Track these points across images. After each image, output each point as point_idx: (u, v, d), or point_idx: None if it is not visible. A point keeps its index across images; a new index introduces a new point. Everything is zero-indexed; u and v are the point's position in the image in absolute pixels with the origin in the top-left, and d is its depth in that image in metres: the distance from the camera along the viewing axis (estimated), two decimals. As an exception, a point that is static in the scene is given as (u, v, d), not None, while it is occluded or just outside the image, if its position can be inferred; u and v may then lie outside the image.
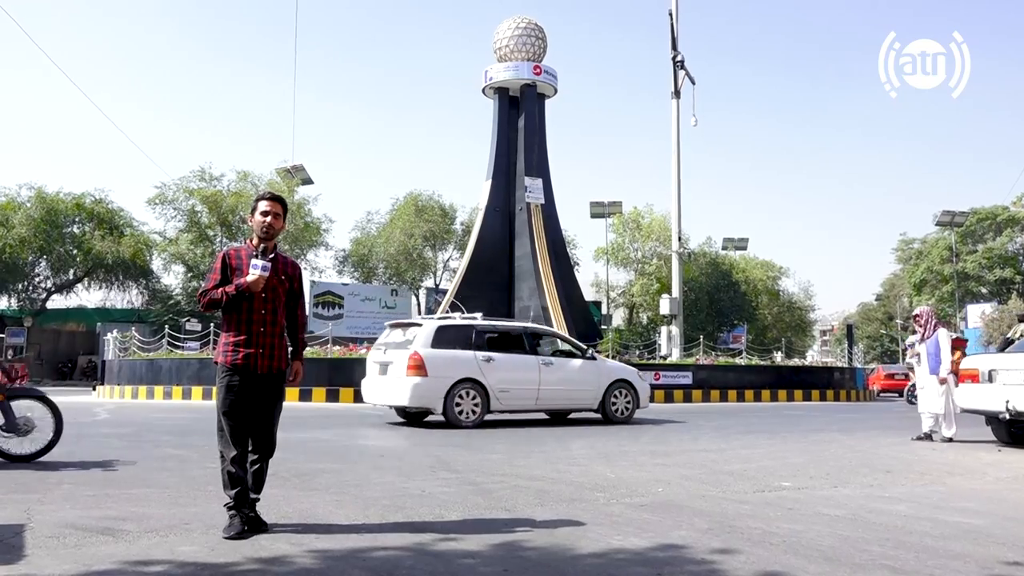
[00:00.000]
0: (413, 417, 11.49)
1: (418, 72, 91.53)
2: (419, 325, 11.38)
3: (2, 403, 6.24)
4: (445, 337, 10.93)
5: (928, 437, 9.47)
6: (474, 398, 10.66)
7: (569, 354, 12.08)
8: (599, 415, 11.83)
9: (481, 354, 10.92)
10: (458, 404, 10.56)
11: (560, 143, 52.75)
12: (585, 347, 12.41)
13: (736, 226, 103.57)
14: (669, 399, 19.91)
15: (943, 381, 9.35)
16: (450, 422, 10.48)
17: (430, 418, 11.28)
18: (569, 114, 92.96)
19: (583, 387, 11.73)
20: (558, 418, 12.07)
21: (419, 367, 10.46)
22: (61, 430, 6.57)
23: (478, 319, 11.91)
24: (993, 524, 4.39)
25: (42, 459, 6.35)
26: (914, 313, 10.18)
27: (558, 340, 12.78)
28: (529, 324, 13.14)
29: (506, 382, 10.96)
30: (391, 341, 11.47)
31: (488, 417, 10.90)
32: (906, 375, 22.57)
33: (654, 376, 20.61)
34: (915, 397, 20.16)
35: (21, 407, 6.39)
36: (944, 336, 9.56)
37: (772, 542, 3.76)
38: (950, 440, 9.21)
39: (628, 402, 11.95)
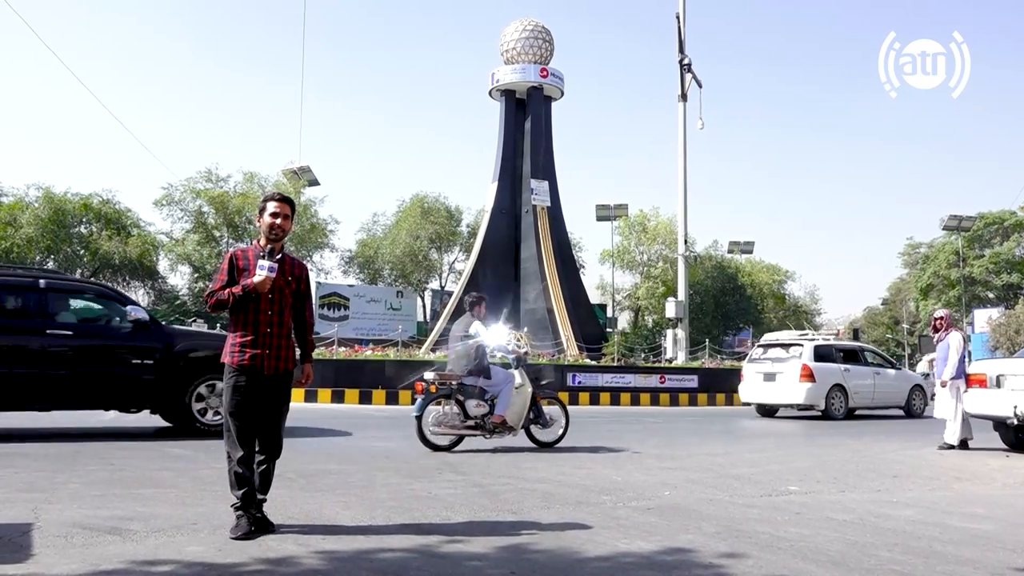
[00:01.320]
0: (768, 413, 15.41)
1: (424, 73, 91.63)
2: (800, 345, 15.09)
3: (537, 403, 8.03)
4: (819, 353, 14.73)
5: (951, 445, 9.15)
6: (841, 399, 14.49)
7: (883, 365, 15.91)
8: (903, 411, 15.51)
9: (842, 366, 14.77)
10: (832, 402, 14.31)
11: (566, 145, 52.83)
12: (893, 360, 16.70)
13: (742, 229, 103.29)
14: (675, 402, 19.87)
15: (944, 384, 9.24)
16: (827, 416, 14.25)
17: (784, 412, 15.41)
18: (575, 116, 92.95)
19: (896, 390, 15.52)
20: (849, 415, 14.91)
21: (810, 375, 14.22)
22: (568, 425, 8.31)
23: (831, 340, 16.41)
24: (1002, 529, 4.38)
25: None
26: (937, 315, 9.81)
27: (874, 354, 16.44)
28: (863, 344, 17.35)
29: (857, 387, 14.78)
30: (773, 356, 15.22)
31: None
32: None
33: (659, 379, 20.59)
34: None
35: (547, 407, 8.21)
36: (955, 340, 9.31)
37: (780, 546, 3.75)
38: (951, 447, 9.06)
39: (923, 402, 15.69)
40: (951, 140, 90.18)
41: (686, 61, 26.53)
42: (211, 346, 8.62)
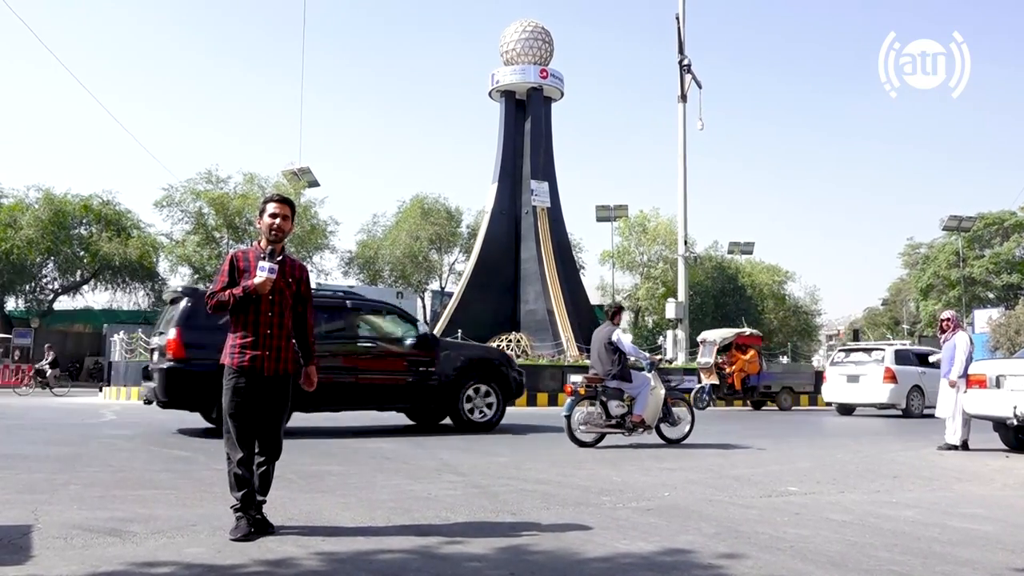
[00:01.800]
0: (847, 412, 17.03)
1: (424, 74, 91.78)
2: (882, 349, 16.81)
3: (667, 404, 8.66)
4: (899, 357, 16.31)
5: (953, 445, 9.11)
6: (919, 399, 15.87)
7: None
8: None
9: (918, 368, 16.15)
10: (911, 402, 15.85)
11: (566, 146, 52.73)
12: None
13: (742, 230, 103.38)
14: (674, 403, 19.79)
15: (953, 384, 9.22)
16: (907, 414, 15.75)
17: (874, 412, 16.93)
18: (575, 117, 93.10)
19: None
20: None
21: (892, 377, 15.82)
22: (694, 423, 9.00)
23: (907, 345, 18.61)
24: (1001, 530, 4.37)
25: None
26: (944, 316, 9.82)
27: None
28: (933, 349, 18.13)
29: (933, 388, 16.04)
30: (856, 359, 16.79)
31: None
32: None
33: (659, 380, 20.50)
34: (703, 401, 18.58)
35: (676, 408, 8.89)
36: (961, 340, 9.26)
37: (779, 547, 3.75)
38: (952, 447, 9.01)
39: None
40: (951, 140, 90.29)
41: (686, 62, 26.58)
42: (475, 355, 10.46)
